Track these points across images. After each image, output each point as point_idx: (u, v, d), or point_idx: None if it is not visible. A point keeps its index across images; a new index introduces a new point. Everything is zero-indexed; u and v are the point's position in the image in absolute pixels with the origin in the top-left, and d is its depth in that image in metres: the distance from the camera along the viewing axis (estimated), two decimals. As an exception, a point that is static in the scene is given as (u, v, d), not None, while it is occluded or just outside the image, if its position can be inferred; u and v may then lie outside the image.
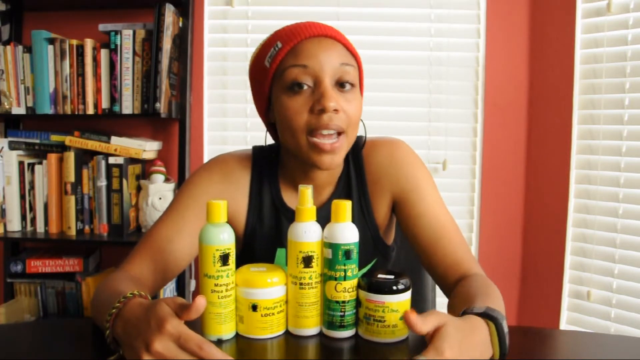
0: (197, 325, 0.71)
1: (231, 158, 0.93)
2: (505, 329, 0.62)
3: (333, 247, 0.70)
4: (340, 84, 0.81)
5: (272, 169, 0.93)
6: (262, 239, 0.92)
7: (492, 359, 0.62)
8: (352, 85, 0.82)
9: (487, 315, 0.63)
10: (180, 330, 0.56)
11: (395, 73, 1.90)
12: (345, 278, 0.71)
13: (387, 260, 0.96)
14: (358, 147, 0.92)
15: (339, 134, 0.81)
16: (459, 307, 0.69)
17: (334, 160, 0.81)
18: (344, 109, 0.80)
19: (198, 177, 0.91)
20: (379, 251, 0.94)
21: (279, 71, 0.81)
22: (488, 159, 1.91)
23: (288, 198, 0.92)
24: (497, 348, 0.61)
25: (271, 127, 0.91)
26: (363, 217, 0.91)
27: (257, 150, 0.95)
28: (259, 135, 0.94)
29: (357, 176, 0.91)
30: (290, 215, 0.90)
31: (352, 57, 0.84)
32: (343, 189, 0.92)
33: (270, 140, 0.94)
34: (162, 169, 1.78)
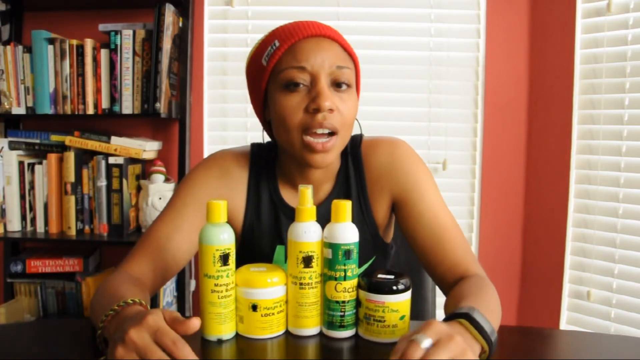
0: (197, 325, 0.71)
1: (229, 155, 0.93)
2: (480, 319, 0.61)
3: (333, 247, 0.70)
4: (336, 84, 0.81)
5: (270, 166, 0.93)
6: (260, 236, 0.92)
7: (483, 353, 0.61)
8: (348, 85, 0.82)
9: (459, 315, 0.62)
10: (160, 325, 0.56)
11: (395, 73, 1.90)
12: (345, 278, 0.71)
13: (385, 259, 0.97)
14: (356, 145, 0.92)
15: (332, 134, 0.81)
16: (449, 310, 0.69)
17: (325, 159, 0.81)
18: (339, 108, 0.80)
19: (196, 174, 0.91)
20: (378, 249, 0.94)
21: (276, 70, 0.81)
22: (488, 159, 1.91)
23: (286, 195, 0.92)
24: (482, 340, 0.60)
25: (267, 125, 0.91)
26: (362, 215, 0.91)
27: (256, 148, 0.95)
28: (259, 135, 0.94)
29: (356, 175, 0.91)
30: (288, 212, 0.91)
31: (350, 58, 0.84)
32: (342, 187, 0.91)
33: (267, 138, 0.95)
34: (162, 169, 1.78)
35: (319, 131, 0.79)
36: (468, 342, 0.59)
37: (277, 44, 0.81)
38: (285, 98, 0.80)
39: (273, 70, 0.82)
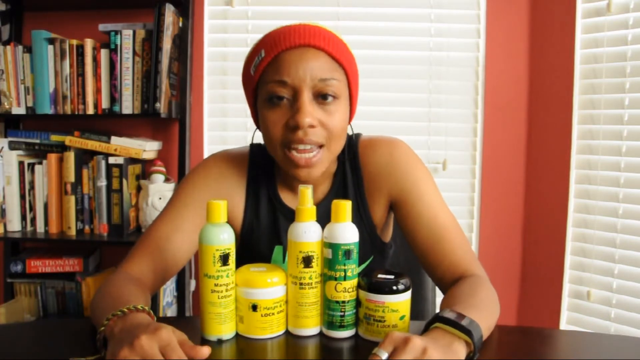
0: (197, 325, 0.71)
1: (228, 156, 0.94)
2: (450, 315, 0.63)
3: (333, 247, 0.70)
4: (322, 96, 0.79)
5: (269, 167, 0.93)
6: (259, 236, 0.92)
7: (469, 354, 0.62)
8: (335, 97, 0.80)
9: (432, 322, 0.64)
10: (172, 341, 0.57)
11: (395, 73, 1.90)
12: (345, 278, 0.71)
13: (384, 258, 0.96)
14: (354, 145, 0.92)
15: (320, 146, 0.80)
16: None
17: (311, 174, 0.81)
18: (323, 122, 0.79)
19: (196, 174, 0.91)
20: (376, 249, 0.94)
21: (262, 82, 0.81)
22: (488, 159, 1.91)
23: (285, 195, 0.92)
24: (463, 335, 0.61)
25: None
26: (359, 215, 0.90)
27: (255, 149, 0.95)
28: (259, 136, 0.93)
29: (353, 174, 0.91)
30: (287, 213, 0.91)
31: (339, 67, 0.81)
32: (339, 187, 0.91)
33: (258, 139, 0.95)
34: (162, 169, 1.78)
35: (301, 147, 0.78)
36: (445, 342, 0.60)
37: (263, 54, 0.80)
38: (268, 112, 0.80)
39: (259, 81, 0.82)
